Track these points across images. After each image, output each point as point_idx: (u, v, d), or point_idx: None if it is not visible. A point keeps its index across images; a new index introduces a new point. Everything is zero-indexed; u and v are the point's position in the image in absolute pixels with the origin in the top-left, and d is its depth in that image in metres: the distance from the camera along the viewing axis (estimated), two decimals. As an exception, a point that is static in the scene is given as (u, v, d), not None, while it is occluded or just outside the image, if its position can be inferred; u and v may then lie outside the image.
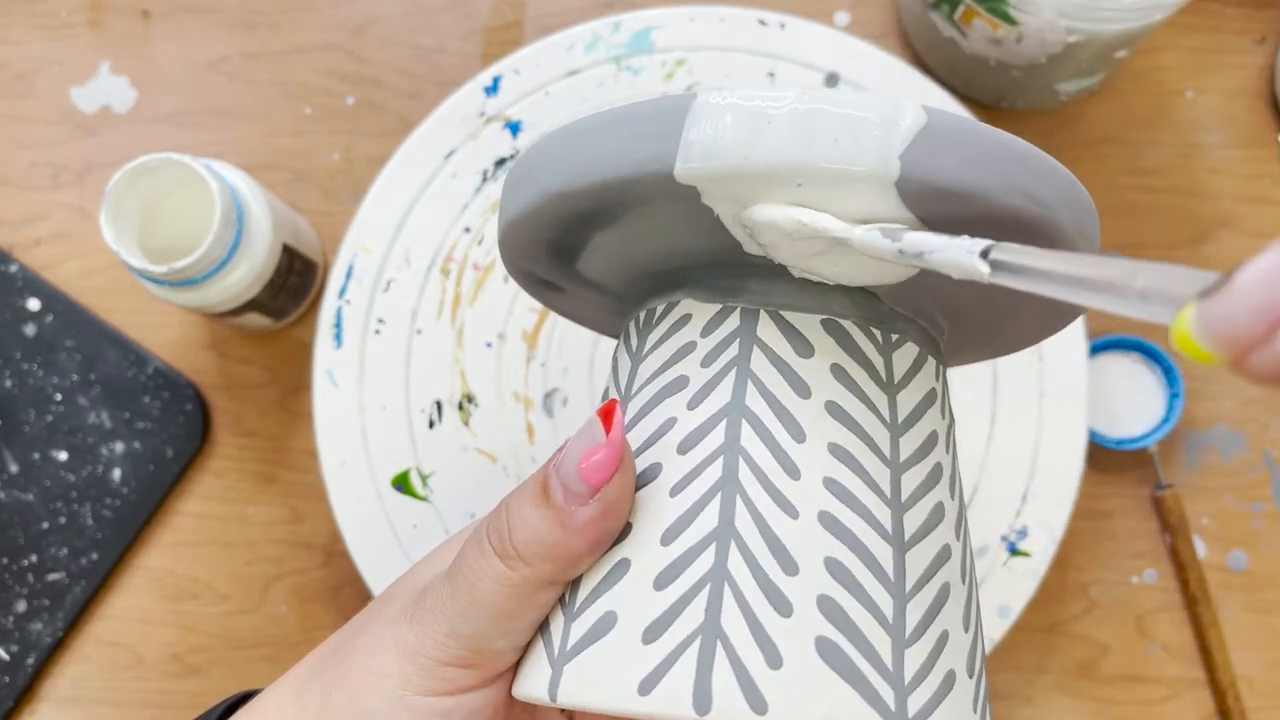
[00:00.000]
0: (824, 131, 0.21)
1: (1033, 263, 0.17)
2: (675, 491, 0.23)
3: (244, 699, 0.28)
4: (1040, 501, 0.44)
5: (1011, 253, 0.18)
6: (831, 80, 0.46)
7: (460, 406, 0.46)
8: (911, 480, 0.25)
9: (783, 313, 0.24)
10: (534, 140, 0.24)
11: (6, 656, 0.49)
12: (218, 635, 0.49)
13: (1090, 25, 0.42)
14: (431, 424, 0.46)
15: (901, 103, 0.21)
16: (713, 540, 0.22)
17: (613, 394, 0.26)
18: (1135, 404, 0.49)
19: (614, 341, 0.46)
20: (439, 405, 0.46)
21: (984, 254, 0.19)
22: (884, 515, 0.24)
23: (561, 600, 0.24)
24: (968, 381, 0.45)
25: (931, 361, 0.26)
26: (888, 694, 0.22)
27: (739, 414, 0.23)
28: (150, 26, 0.53)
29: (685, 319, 0.25)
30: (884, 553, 0.24)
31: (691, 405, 0.24)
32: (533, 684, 0.23)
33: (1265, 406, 0.49)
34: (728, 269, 0.24)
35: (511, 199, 0.25)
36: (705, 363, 0.24)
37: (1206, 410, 0.49)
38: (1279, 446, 0.49)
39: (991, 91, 0.49)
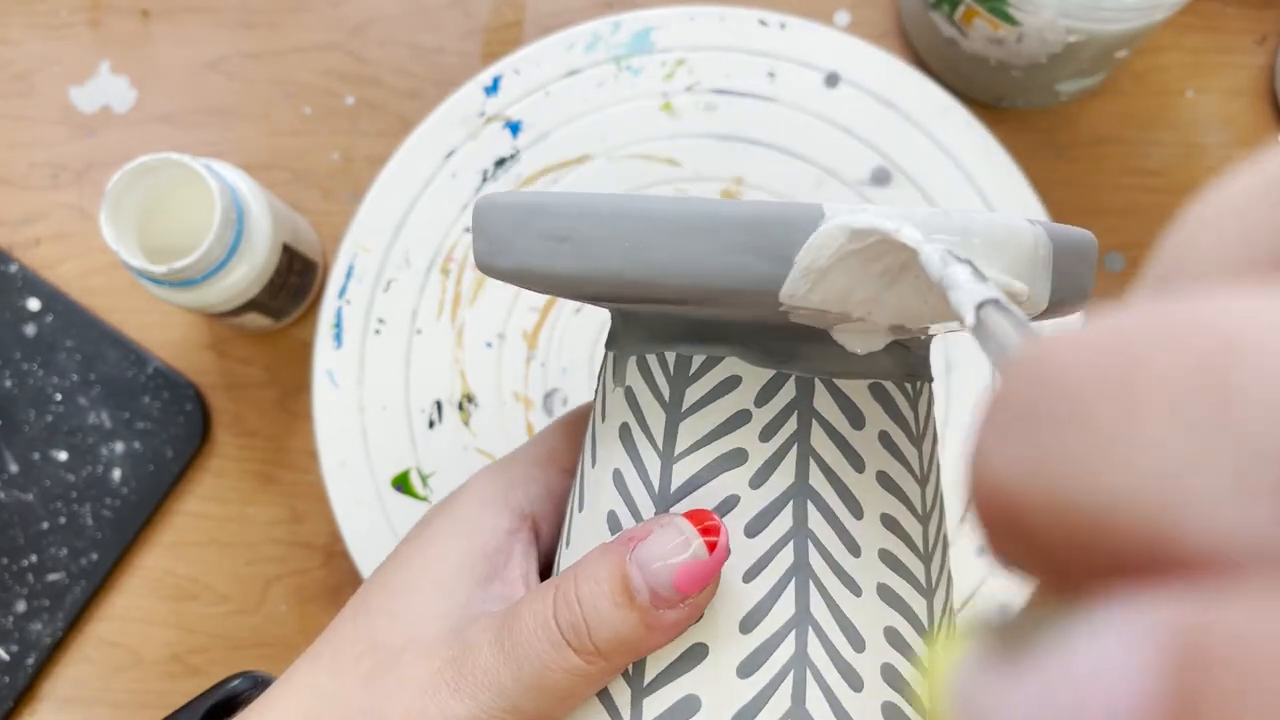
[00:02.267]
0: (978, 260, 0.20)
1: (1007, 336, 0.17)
2: (749, 577, 0.23)
3: (226, 712, 0.28)
4: (1040, 502, 0.44)
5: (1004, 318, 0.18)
6: (832, 80, 0.46)
7: (460, 406, 0.46)
8: (933, 529, 0.25)
9: (835, 381, 0.24)
10: (572, 192, 0.22)
11: (6, 656, 0.49)
12: (218, 635, 0.49)
13: (1090, 25, 0.42)
14: (431, 424, 0.46)
15: (1037, 235, 0.21)
16: (792, 628, 0.23)
17: (638, 436, 0.25)
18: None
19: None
20: (439, 405, 0.46)
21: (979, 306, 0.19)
22: (919, 571, 0.25)
23: (624, 671, 0.24)
24: (969, 382, 0.45)
25: (931, 391, 0.26)
26: None
27: (804, 495, 0.23)
28: (150, 26, 0.53)
29: (733, 381, 0.24)
30: (921, 606, 0.25)
31: (754, 484, 0.23)
32: None
33: (1265, 406, 0.49)
34: (777, 330, 0.23)
35: (541, 253, 0.22)
36: (764, 436, 0.23)
37: (1207, 410, 0.49)
38: (1279, 446, 0.49)
39: (991, 91, 0.49)
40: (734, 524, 0.23)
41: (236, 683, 0.29)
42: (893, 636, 0.24)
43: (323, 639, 0.26)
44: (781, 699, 0.23)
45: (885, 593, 0.24)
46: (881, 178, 0.46)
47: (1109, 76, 0.50)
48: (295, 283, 0.48)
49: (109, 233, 0.41)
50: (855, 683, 0.23)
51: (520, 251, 0.22)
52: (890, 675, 0.23)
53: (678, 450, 0.24)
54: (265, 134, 0.52)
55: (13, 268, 0.51)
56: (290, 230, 0.46)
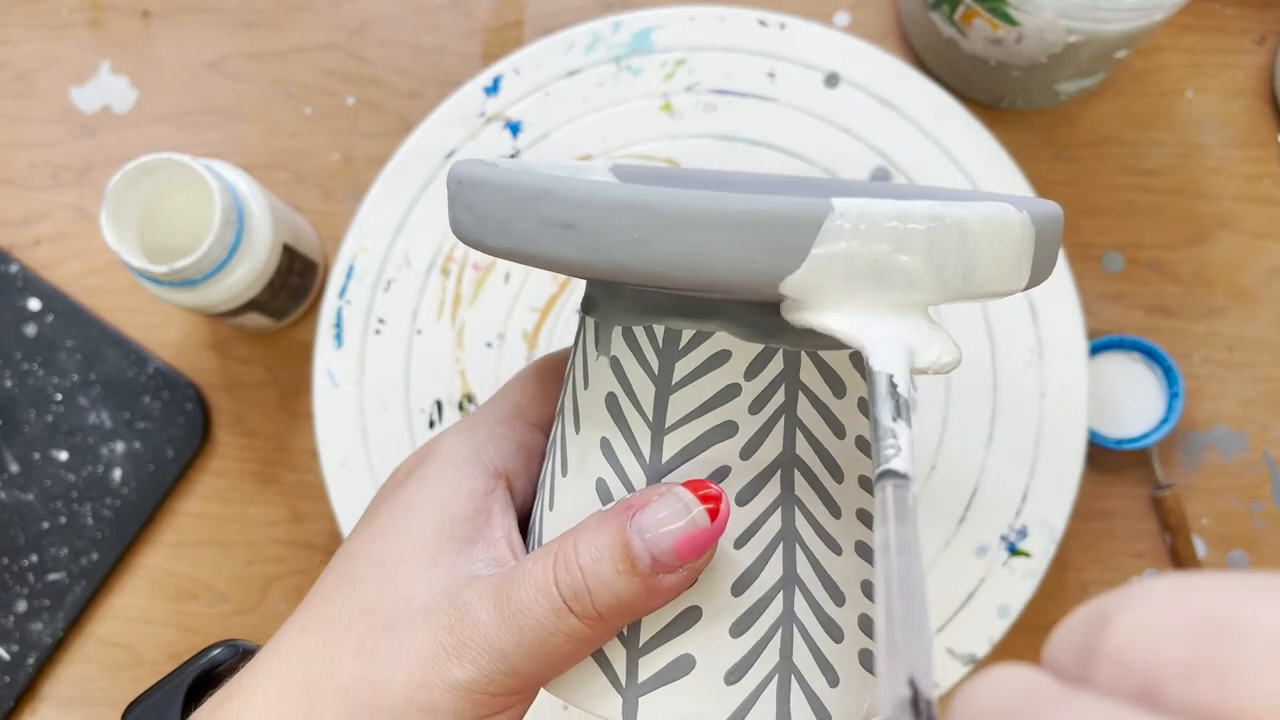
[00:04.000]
0: (963, 257, 0.21)
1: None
2: (740, 544, 0.24)
3: (209, 682, 0.28)
4: (1040, 501, 0.44)
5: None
6: (832, 80, 0.46)
7: (460, 406, 0.46)
8: None
9: (820, 353, 0.24)
10: (575, 178, 0.21)
11: (7, 656, 0.49)
12: (218, 635, 0.49)
13: (1090, 25, 0.42)
14: (431, 424, 0.46)
15: (1024, 221, 0.22)
16: (780, 589, 0.24)
17: (626, 407, 0.25)
18: (1135, 404, 0.49)
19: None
20: (439, 405, 0.46)
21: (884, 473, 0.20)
22: None
23: (620, 633, 0.25)
24: (969, 381, 0.45)
25: None
26: None
27: (792, 464, 0.24)
28: (150, 26, 0.53)
29: (723, 355, 0.24)
30: None
31: (745, 455, 0.24)
32: (602, 705, 0.25)
33: (1265, 406, 0.49)
34: (765, 305, 0.23)
35: (541, 238, 0.21)
36: (754, 409, 0.24)
37: (1206, 410, 0.49)
38: (1279, 446, 0.49)
39: (991, 91, 0.49)
40: (726, 493, 0.24)
41: (218, 652, 0.29)
42: (869, 589, 0.25)
43: (307, 610, 0.26)
44: (770, 654, 0.24)
45: (862, 549, 0.25)
46: (881, 178, 0.46)
47: (1109, 76, 0.50)
48: (295, 283, 0.48)
49: (109, 233, 0.41)
50: (836, 634, 0.25)
51: (518, 234, 0.22)
52: (866, 624, 0.25)
53: (668, 423, 0.25)
54: (265, 134, 0.52)
55: (13, 268, 0.51)
56: (290, 230, 0.46)
